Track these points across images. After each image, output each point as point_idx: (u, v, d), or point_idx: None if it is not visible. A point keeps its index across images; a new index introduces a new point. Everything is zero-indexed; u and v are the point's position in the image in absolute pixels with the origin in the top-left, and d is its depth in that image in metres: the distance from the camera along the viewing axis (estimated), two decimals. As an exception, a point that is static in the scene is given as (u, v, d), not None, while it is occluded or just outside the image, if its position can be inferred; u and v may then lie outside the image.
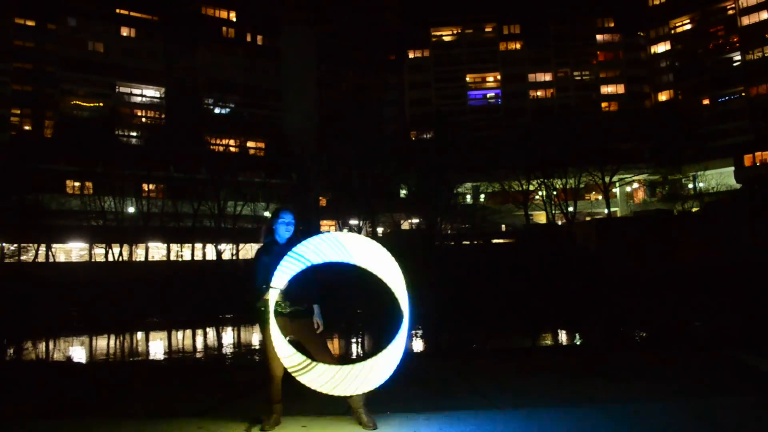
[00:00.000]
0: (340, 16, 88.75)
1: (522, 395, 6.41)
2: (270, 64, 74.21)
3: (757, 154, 60.61)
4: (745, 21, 70.23)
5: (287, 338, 5.13)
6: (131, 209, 50.53)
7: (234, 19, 74.20)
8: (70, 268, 43.17)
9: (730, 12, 72.31)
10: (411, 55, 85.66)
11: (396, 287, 4.98)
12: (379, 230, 55.94)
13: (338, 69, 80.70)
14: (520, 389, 6.72)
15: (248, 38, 74.50)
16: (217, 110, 70.18)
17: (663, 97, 79.24)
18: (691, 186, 65.25)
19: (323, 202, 64.02)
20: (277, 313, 5.11)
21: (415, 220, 59.33)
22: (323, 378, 4.90)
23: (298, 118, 67.28)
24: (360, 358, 5.37)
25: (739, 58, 70.99)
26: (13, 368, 12.69)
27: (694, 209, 54.42)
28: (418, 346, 22.17)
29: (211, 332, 27.51)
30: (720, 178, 59.48)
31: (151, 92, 66.93)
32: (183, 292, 35.32)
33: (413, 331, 24.48)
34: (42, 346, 23.06)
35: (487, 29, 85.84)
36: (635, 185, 70.11)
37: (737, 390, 6.44)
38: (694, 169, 64.43)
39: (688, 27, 76.89)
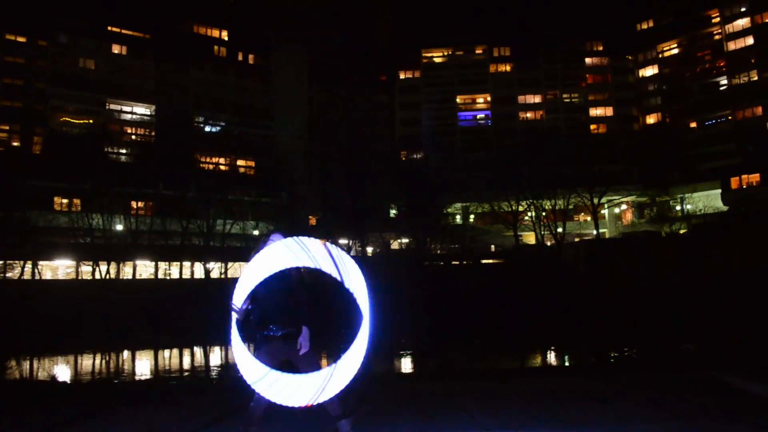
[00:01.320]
0: (331, 36, 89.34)
1: (510, 416, 6.38)
2: (261, 83, 74.43)
3: (744, 176, 61.23)
4: (732, 46, 71.27)
5: (281, 359, 5.22)
6: (119, 227, 50.24)
7: (226, 38, 74.48)
8: (56, 285, 42.75)
9: (717, 37, 73.37)
10: (402, 76, 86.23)
11: (358, 291, 4.94)
12: (369, 250, 55.85)
13: (329, 89, 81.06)
14: (509, 411, 6.69)
15: (240, 57, 74.74)
16: (207, 128, 70.15)
17: (651, 119, 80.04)
18: (678, 208, 65.70)
19: (313, 221, 63.96)
20: (270, 337, 5.20)
21: (405, 240, 59.32)
22: (286, 389, 4.79)
23: (289, 137, 67.28)
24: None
25: (725, 82, 71.91)
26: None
27: (682, 231, 54.78)
28: (407, 366, 22.07)
29: (198, 352, 27.28)
30: (707, 200, 59.95)
31: (142, 110, 66.84)
32: (170, 310, 35.05)
33: (403, 351, 24.39)
34: (26, 365, 22.77)
35: (477, 51, 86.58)
36: (624, 207, 70.52)
37: (724, 414, 6.44)
38: (681, 191, 64.91)
39: (676, 51, 77.92)
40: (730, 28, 71.69)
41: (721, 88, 72.41)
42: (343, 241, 53.54)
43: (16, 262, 42.64)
